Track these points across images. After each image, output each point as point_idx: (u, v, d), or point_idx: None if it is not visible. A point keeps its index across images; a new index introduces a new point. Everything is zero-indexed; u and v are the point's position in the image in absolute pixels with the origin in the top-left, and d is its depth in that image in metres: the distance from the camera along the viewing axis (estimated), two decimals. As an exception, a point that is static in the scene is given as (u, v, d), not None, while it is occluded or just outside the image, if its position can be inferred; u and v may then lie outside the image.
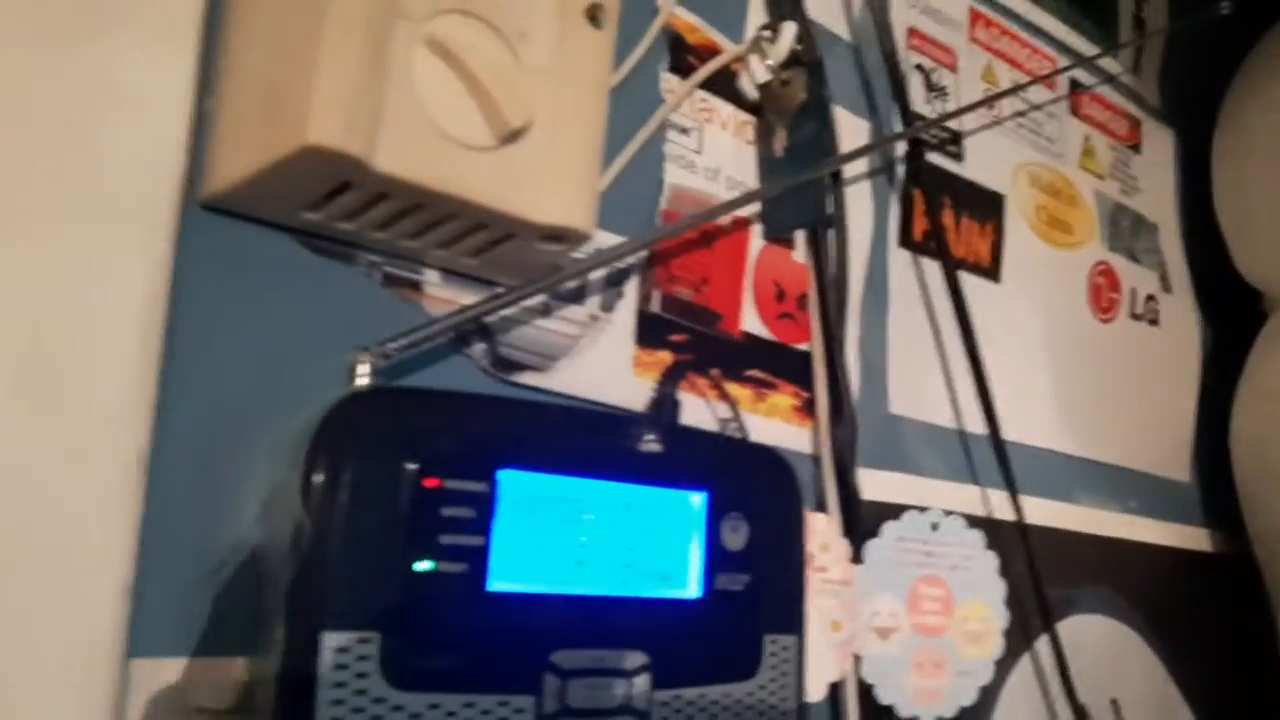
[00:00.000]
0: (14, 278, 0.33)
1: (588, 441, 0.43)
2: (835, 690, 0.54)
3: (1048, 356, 0.73)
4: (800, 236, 0.58)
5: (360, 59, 0.35)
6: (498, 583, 0.39)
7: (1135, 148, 0.83)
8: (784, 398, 0.56)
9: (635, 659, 0.42)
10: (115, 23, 0.35)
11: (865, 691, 0.55)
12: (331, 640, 0.35)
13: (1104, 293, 0.78)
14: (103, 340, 0.35)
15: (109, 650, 0.34)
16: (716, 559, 0.45)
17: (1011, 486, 0.65)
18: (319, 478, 0.35)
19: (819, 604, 0.53)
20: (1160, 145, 0.86)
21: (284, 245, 0.41)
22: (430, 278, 0.44)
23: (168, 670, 0.37)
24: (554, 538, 0.41)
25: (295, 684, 0.34)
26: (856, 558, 0.55)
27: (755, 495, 0.47)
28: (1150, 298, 0.82)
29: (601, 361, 0.49)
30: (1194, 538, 0.83)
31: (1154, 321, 0.82)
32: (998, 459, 0.65)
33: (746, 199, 0.53)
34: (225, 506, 0.38)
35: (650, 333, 0.51)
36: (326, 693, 0.34)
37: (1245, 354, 0.81)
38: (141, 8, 0.36)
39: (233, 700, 0.37)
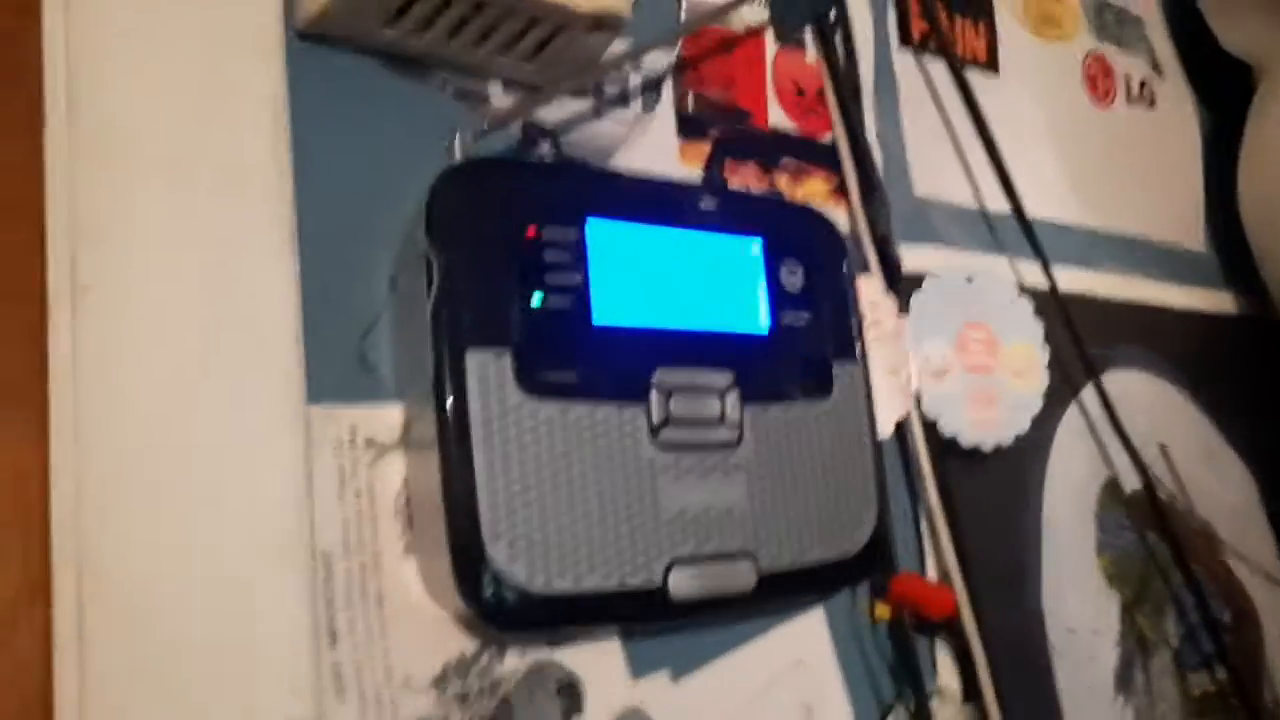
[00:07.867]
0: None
1: (659, 198, 0.50)
2: (901, 428, 0.60)
3: (1054, 141, 0.78)
4: (810, 40, 0.64)
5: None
6: (601, 317, 0.46)
7: (1111, -53, 0.88)
8: (818, 183, 0.63)
9: (724, 378, 0.49)
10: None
11: (930, 427, 0.61)
12: (474, 356, 0.42)
13: (1099, 80, 0.83)
14: (248, 130, 0.42)
15: (295, 395, 0.42)
16: (780, 299, 0.52)
17: (1040, 252, 0.71)
18: (441, 224, 0.42)
19: (876, 355, 0.60)
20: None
21: (371, 69, 0.47)
22: (495, 90, 0.51)
23: (341, 415, 0.44)
24: (642, 278, 0.48)
25: (448, 395, 0.41)
26: (903, 310, 0.61)
27: (805, 244, 0.54)
28: (1144, 83, 0.87)
29: (651, 152, 0.55)
30: (1220, 301, 0.88)
31: (1151, 104, 0.87)
32: (1022, 228, 0.70)
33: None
34: (365, 279, 0.45)
35: (690, 128, 0.58)
36: (475, 400, 0.41)
37: (1243, 127, 0.86)
38: None
39: (397, 437, 0.45)
